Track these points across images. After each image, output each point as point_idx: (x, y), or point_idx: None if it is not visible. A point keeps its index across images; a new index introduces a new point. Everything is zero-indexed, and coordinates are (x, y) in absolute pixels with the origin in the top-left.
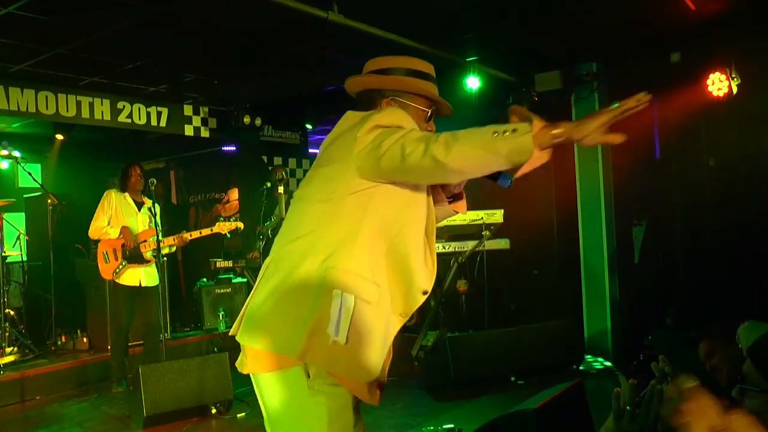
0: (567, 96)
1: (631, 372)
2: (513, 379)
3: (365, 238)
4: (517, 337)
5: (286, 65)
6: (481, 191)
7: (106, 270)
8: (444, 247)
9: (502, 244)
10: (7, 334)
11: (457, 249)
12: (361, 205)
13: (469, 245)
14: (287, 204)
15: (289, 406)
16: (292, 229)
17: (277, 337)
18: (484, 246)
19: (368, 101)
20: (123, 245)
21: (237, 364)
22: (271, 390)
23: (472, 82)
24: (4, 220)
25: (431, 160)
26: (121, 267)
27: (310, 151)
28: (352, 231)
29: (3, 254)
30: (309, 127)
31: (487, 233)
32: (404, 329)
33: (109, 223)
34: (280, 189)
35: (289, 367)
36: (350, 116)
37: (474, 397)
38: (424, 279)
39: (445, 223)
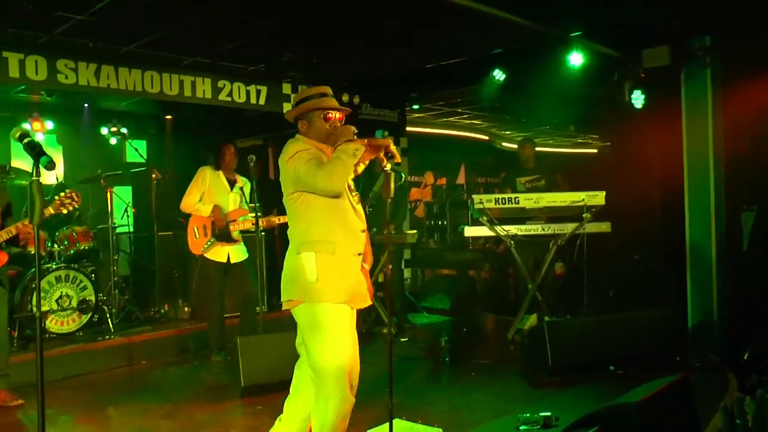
0: (676, 72)
1: (739, 369)
2: (612, 368)
3: (315, 217)
4: (618, 325)
5: (384, 43)
6: (582, 172)
7: (194, 245)
8: (543, 229)
9: (603, 227)
10: (116, 300)
11: (556, 231)
12: (304, 201)
13: (568, 227)
14: (396, 181)
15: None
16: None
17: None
18: (584, 229)
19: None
20: (213, 222)
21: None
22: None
23: (576, 59)
24: (113, 194)
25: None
26: (209, 244)
27: (408, 129)
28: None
29: (112, 225)
30: (416, 107)
31: (588, 215)
32: (501, 311)
33: (201, 200)
34: (388, 166)
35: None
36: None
37: (571, 385)
38: (358, 223)
39: (544, 204)
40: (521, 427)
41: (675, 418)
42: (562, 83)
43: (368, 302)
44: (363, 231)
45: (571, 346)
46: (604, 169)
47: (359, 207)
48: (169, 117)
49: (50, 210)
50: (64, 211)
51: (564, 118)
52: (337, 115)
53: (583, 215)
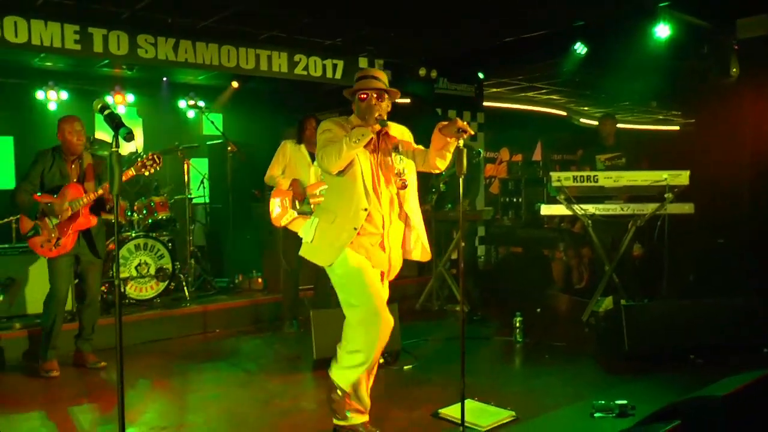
0: None
1: None
2: (692, 357)
3: (330, 189)
4: (699, 311)
5: (462, 17)
6: (663, 150)
7: (276, 218)
8: (622, 209)
9: (686, 208)
10: (192, 269)
11: (635, 211)
12: (328, 174)
13: (649, 208)
14: (470, 158)
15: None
16: None
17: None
18: (665, 209)
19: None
20: (293, 196)
21: None
22: None
23: (662, 31)
24: (190, 165)
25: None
26: (290, 217)
27: (485, 104)
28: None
29: (189, 196)
30: (481, 76)
31: (670, 196)
32: (574, 293)
33: (283, 173)
34: (461, 142)
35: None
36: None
37: (647, 372)
38: (363, 202)
39: (624, 182)
40: (596, 414)
41: (764, 415)
42: (647, 57)
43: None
44: (365, 209)
45: (648, 331)
46: (687, 147)
47: (386, 189)
48: (235, 84)
49: (131, 171)
50: (146, 173)
51: (646, 94)
52: (374, 95)
53: (665, 195)
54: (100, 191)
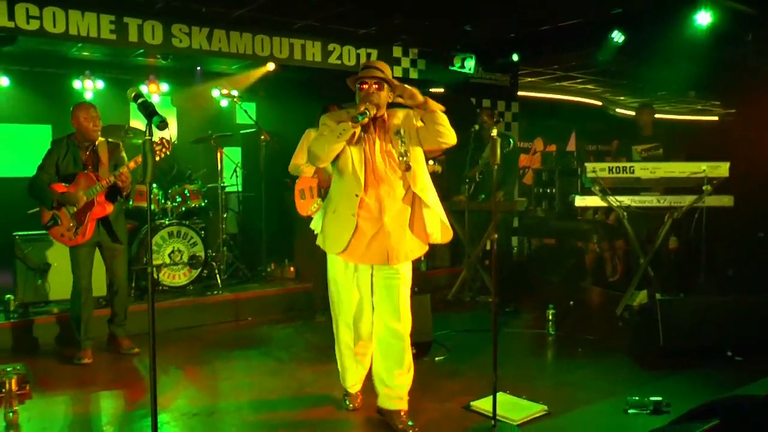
0: None
1: None
2: (730, 354)
3: (333, 181)
4: (738, 307)
5: (497, 5)
6: (705, 141)
7: (301, 206)
8: (658, 201)
9: (725, 201)
10: (225, 257)
11: (672, 203)
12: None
13: (686, 200)
14: (502, 148)
15: None
16: None
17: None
18: (703, 202)
19: None
20: (318, 184)
21: None
22: None
23: (703, 18)
24: (223, 154)
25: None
26: (316, 205)
27: (519, 93)
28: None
29: (222, 184)
30: (515, 58)
31: (709, 188)
32: (608, 286)
33: (307, 161)
34: (494, 132)
35: None
36: None
37: (683, 368)
38: (354, 188)
39: (661, 174)
40: (630, 411)
41: None
42: (686, 45)
43: (376, 261)
44: (357, 195)
45: (684, 326)
46: (727, 138)
47: (385, 175)
48: (271, 66)
49: (140, 158)
50: (156, 158)
51: (685, 83)
52: (373, 84)
53: (704, 187)
54: (112, 178)
